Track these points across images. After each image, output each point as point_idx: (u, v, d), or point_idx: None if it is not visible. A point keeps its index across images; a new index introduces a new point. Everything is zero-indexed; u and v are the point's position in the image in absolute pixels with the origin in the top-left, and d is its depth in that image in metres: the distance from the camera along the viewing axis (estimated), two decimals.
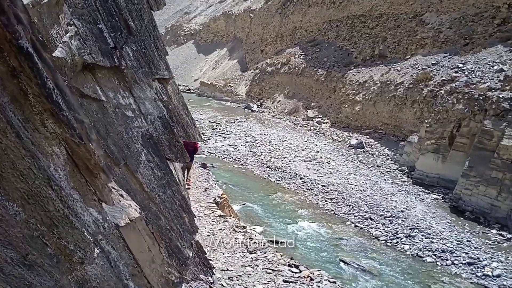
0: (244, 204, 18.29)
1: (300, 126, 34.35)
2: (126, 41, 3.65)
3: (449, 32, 28.36)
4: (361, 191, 19.98)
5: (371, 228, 16.40)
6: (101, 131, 2.95)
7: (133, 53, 3.80)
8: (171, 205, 4.23)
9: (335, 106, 33.96)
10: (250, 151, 26.59)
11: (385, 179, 21.85)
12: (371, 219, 17.04)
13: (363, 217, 17.26)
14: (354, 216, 17.42)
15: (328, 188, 20.28)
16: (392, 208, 17.89)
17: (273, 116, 38.55)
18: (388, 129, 28.39)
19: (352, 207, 18.18)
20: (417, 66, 28.04)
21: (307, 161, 24.67)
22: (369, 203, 18.44)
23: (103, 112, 3.11)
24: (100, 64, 3.06)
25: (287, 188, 20.72)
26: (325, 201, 19.00)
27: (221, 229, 11.35)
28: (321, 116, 34.80)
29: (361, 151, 26.86)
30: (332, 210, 18.08)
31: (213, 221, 11.82)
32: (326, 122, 33.61)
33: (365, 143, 27.79)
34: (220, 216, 12.35)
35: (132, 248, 2.67)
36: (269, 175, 22.35)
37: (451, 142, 20.72)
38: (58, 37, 2.58)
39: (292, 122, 35.88)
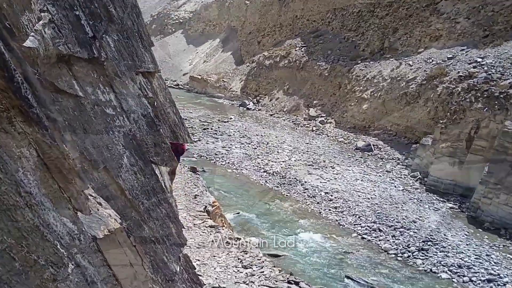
0: (239, 213, 18.26)
1: (301, 126, 34.40)
2: (106, 30, 3.63)
3: (467, 23, 28.52)
4: (368, 199, 20.02)
5: (379, 240, 16.43)
6: (77, 131, 2.93)
7: (114, 44, 3.77)
8: (157, 214, 4.20)
9: (340, 104, 34.05)
10: (246, 153, 26.57)
11: (395, 186, 21.91)
12: (380, 230, 17.07)
13: (371, 228, 17.29)
14: (361, 227, 17.44)
15: (332, 196, 20.30)
16: (403, 218, 17.93)
17: (271, 115, 38.60)
18: (399, 130, 28.50)
19: (359, 217, 18.20)
20: (431, 61, 28.17)
21: (308, 165, 24.69)
22: (378, 213, 18.47)
23: (80, 110, 3.09)
24: (77, 56, 3.04)
25: (286, 195, 20.72)
26: (329, 210, 19.01)
27: (212, 241, 11.33)
28: (324, 115, 34.89)
29: (368, 155, 26.93)
30: (336, 220, 18.10)
31: (203, 232, 11.80)
32: (330, 122, 33.69)
33: (373, 145, 27.86)
34: (211, 226, 12.33)
35: (112, 263, 2.65)
36: (266, 181, 22.35)
37: (468, 145, 20.80)
38: (29, 25, 2.55)
39: (292, 121, 35.93)
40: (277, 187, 21.60)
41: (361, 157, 26.57)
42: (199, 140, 28.40)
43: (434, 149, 22.44)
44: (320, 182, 22.12)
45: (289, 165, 24.46)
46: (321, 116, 34.95)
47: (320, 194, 20.51)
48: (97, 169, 3.06)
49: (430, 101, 26.02)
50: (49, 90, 2.63)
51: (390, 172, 24.03)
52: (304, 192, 20.86)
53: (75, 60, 3.08)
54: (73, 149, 2.22)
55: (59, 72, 2.90)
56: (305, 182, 22.00)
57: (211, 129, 32.10)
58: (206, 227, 12.10)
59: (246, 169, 23.89)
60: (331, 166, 24.56)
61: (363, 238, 16.66)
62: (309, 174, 23.27)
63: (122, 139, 3.64)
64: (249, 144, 28.66)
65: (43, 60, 2.66)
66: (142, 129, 4.14)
